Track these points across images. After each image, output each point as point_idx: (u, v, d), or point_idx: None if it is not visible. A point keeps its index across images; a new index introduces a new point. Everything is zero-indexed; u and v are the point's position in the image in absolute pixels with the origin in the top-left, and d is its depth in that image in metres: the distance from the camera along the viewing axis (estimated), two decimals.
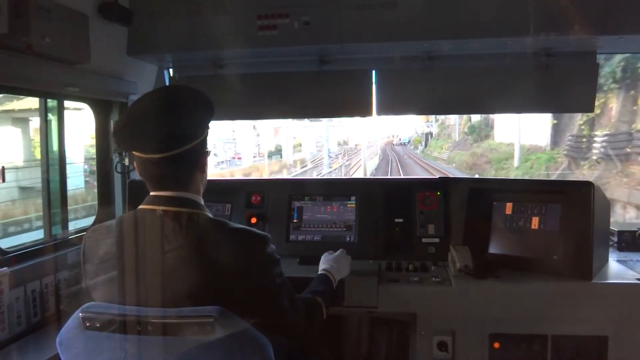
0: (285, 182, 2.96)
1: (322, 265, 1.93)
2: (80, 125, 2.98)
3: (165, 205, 1.37)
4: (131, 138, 1.38)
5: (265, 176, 17.20)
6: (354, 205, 2.54)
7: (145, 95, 1.45)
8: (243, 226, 1.45)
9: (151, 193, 1.41)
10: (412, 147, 46.55)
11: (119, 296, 1.33)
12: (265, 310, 1.41)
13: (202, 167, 1.46)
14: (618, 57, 12.70)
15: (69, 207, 2.36)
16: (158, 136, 1.35)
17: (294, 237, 2.54)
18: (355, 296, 2.09)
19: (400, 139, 50.45)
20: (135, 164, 1.42)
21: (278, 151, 31.73)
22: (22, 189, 5.74)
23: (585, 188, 2.11)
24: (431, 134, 42.46)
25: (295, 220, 2.57)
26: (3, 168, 1.91)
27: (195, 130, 1.41)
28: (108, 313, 1.25)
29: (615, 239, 2.55)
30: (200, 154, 1.44)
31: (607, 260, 2.30)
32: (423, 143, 43.35)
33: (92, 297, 1.40)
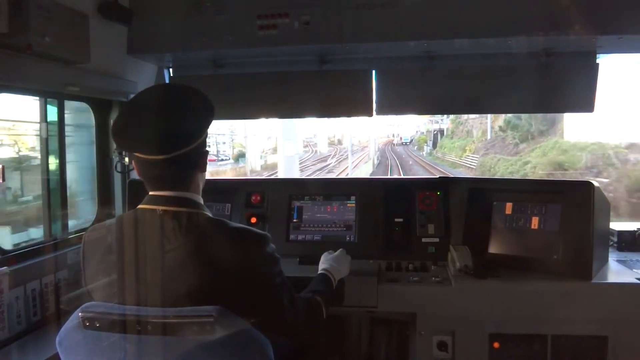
0: (286, 181, 2.96)
1: (322, 264, 1.93)
2: None
3: (165, 205, 1.37)
4: (132, 139, 1.37)
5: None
6: (354, 205, 2.54)
7: (143, 93, 1.44)
8: (243, 225, 1.45)
9: (150, 193, 1.41)
10: (416, 147, 41.56)
11: (119, 296, 1.33)
12: (265, 309, 1.41)
13: (202, 166, 1.46)
14: None
15: None
16: (160, 137, 1.34)
17: (293, 236, 2.54)
18: (355, 296, 2.08)
19: (401, 138, 47.28)
20: (133, 164, 1.41)
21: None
22: None
23: (585, 188, 2.11)
24: (442, 131, 36.22)
25: (295, 220, 2.57)
26: (3, 168, 1.91)
27: (197, 130, 1.40)
28: (108, 313, 1.25)
29: (615, 238, 2.55)
30: (200, 154, 1.44)
31: (607, 260, 2.30)
32: (430, 143, 37.91)
33: (92, 297, 1.40)
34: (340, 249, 2.06)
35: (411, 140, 46.46)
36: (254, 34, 2.42)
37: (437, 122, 35.42)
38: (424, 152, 36.88)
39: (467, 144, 27.80)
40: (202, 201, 1.44)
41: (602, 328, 2.01)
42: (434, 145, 36.87)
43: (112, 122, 2.50)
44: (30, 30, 1.76)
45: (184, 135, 1.37)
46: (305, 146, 39.72)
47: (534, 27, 2.20)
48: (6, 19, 1.69)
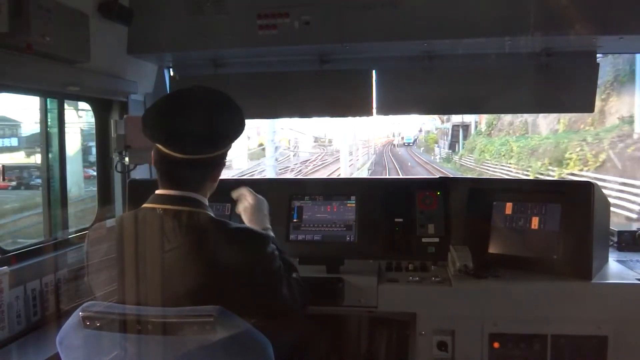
0: (285, 181, 2.97)
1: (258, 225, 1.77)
2: None
3: (168, 204, 1.38)
4: (165, 132, 1.39)
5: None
6: (354, 205, 2.54)
7: (186, 90, 1.46)
8: (244, 225, 1.46)
9: (156, 192, 1.43)
10: (423, 149, 35.71)
11: (120, 295, 1.34)
12: (266, 304, 1.46)
13: (215, 176, 1.49)
14: None
15: None
16: (193, 138, 1.38)
17: (293, 236, 2.54)
18: (355, 296, 2.08)
19: (402, 138, 43.93)
20: (152, 155, 1.44)
21: None
22: None
23: (586, 188, 2.11)
24: (465, 126, 27.02)
25: (295, 220, 2.56)
26: (3, 167, 1.92)
27: (226, 140, 1.45)
28: (108, 312, 1.25)
29: (615, 239, 2.55)
30: (218, 164, 1.48)
31: (607, 260, 2.30)
32: (444, 143, 29.62)
33: (94, 295, 1.41)
34: (246, 196, 1.85)
35: (415, 141, 43.00)
36: (254, 34, 2.43)
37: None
38: (437, 157, 28.30)
39: (555, 150, 14.96)
40: (206, 202, 1.45)
41: (602, 328, 2.01)
42: (452, 146, 28.03)
43: (112, 121, 2.53)
44: (30, 29, 1.76)
45: (215, 140, 1.41)
46: (288, 147, 34.39)
47: (534, 27, 2.20)
48: (6, 18, 1.69)
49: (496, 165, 18.94)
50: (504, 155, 19.42)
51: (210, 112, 1.42)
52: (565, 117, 16.92)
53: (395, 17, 2.34)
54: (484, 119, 24.29)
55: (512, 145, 19.07)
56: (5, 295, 1.80)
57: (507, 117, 20.80)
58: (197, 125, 1.40)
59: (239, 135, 1.50)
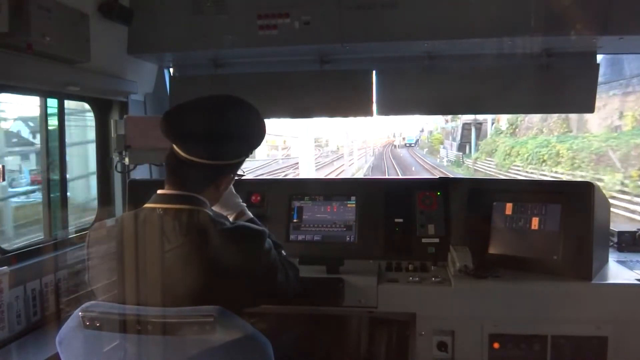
0: (286, 181, 2.97)
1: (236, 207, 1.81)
2: None
3: (168, 203, 1.39)
4: (178, 131, 1.41)
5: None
6: (354, 205, 2.54)
7: (214, 98, 1.48)
8: (241, 223, 1.48)
9: (158, 192, 1.43)
10: (426, 150, 33.96)
11: (120, 295, 1.34)
12: (265, 295, 1.53)
13: (219, 184, 1.49)
14: None
15: None
16: (204, 142, 1.41)
17: (293, 237, 2.54)
18: (355, 296, 2.08)
19: (404, 139, 42.46)
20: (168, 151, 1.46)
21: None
22: None
23: (586, 188, 2.11)
24: (478, 124, 23.45)
25: (295, 220, 2.56)
26: (3, 167, 1.92)
27: (237, 153, 1.48)
28: (108, 312, 1.25)
29: (615, 239, 2.54)
30: (225, 173, 1.49)
31: (607, 260, 2.30)
32: (453, 144, 26.62)
33: (95, 294, 1.41)
34: None
35: (417, 141, 41.46)
36: (254, 34, 2.43)
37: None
38: (444, 159, 24.70)
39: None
40: (207, 202, 1.46)
41: (602, 328, 2.01)
42: (462, 148, 24.89)
43: (112, 121, 2.53)
44: (30, 29, 1.76)
45: (219, 149, 1.43)
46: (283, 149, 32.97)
47: (535, 27, 2.20)
48: (6, 18, 1.69)
49: (532, 173, 14.56)
50: (545, 160, 14.73)
51: (229, 124, 1.44)
52: (633, 110, 12.49)
53: (395, 17, 2.34)
54: (503, 115, 20.41)
55: (557, 148, 14.24)
56: (5, 295, 1.80)
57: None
58: (211, 131, 1.42)
59: (250, 152, 1.53)
